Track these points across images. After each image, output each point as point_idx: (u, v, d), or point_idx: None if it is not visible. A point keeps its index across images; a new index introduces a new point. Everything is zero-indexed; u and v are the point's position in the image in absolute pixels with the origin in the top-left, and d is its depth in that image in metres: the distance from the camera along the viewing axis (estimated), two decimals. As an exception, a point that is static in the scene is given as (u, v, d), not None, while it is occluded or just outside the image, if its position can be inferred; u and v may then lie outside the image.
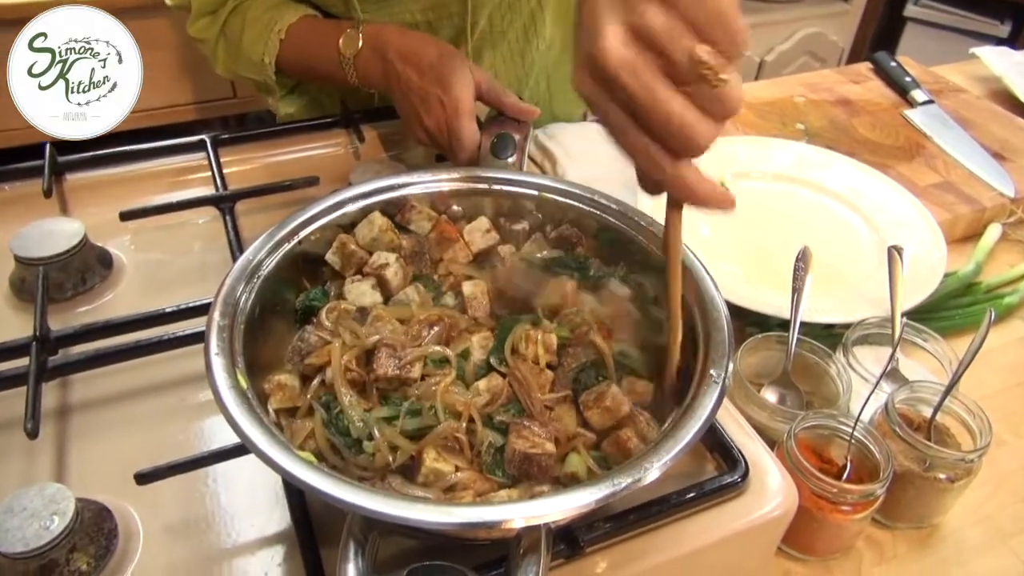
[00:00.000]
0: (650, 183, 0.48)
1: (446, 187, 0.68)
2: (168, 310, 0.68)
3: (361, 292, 0.61)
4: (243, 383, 0.50)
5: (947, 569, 0.66)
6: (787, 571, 0.65)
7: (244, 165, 0.94)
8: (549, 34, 1.07)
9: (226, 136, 0.92)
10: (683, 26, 0.40)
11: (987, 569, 0.66)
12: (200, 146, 0.90)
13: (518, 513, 0.42)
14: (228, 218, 0.80)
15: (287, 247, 0.61)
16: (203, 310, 0.67)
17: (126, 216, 0.79)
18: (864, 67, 1.36)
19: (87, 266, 0.76)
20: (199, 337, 0.64)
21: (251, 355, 0.54)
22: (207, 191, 0.86)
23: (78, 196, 0.86)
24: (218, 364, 0.50)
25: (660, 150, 0.44)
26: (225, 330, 0.53)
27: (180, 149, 0.90)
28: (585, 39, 0.42)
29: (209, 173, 0.88)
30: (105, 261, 0.79)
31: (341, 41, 0.86)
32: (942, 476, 0.64)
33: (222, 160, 0.90)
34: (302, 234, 0.63)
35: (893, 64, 1.31)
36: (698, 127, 0.42)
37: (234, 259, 0.65)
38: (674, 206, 0.50)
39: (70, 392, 0.67)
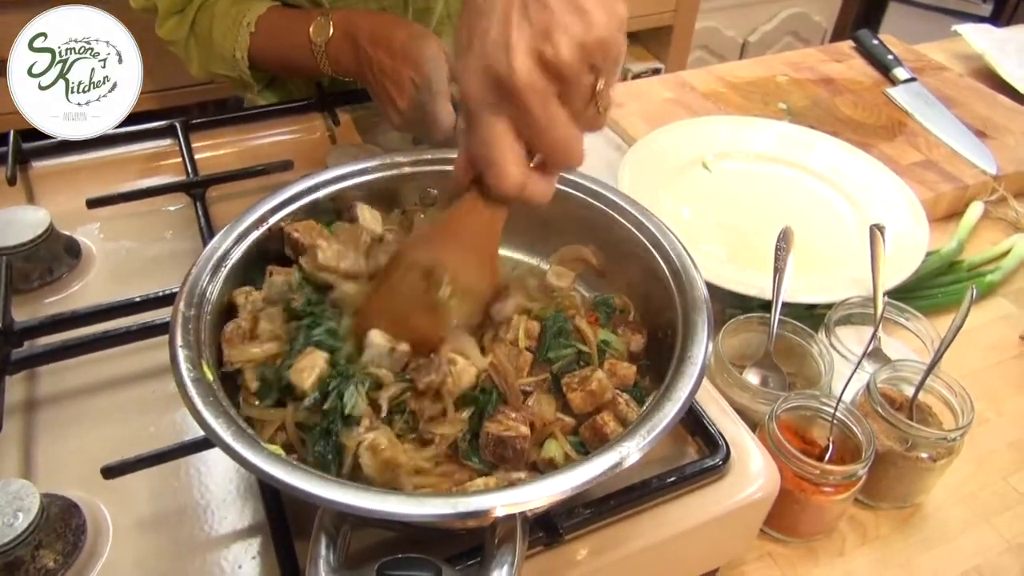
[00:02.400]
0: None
1: (410, 170, 0.66)
2: (137, 299, 0.66)
3: (276, 284, 0.59)
4: (209, 375, 0.48)
5: (930, 548, 0.66)
6: (770, 553, 0.64)
7: (218, 150, 0.92)
8: None
9: (197, 121, 0.90)
10: (586, 61, 0.44)
11: (970, 547, 0.66)
12: (170, 131, 0.88)
13: (489, 503, 0.41)
14: (199, 204, 0.78)
15: (256, 234, 0.60)
16: (173, 299, 0.65)
17: (93, 203, 0.77)
18: (846, 45, 1.35)
19: (54, 255, 0.74)
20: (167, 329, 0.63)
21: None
22: (178, 177, 0.84)
23: (44, 184, 0.84)
24: (183, 356, 0.48)
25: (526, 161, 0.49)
26: (191, 321, 0.52)
27: (149, 135, 0.88)
28: (492, 51, 0.44)
29: (180, 159, 0.85)
30: (73, 250, 0.77)
31: (311, 29, 0.85)
32: (924, 455, 0.63)
33: (194, 145, 0.88)
34: (271, 221, 0.61)
35: (875, 42, 1.30)
36: (580, 145, 0.48)
37: (205, 247, 0.63)
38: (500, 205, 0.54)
39: (37, 385, 0.65)
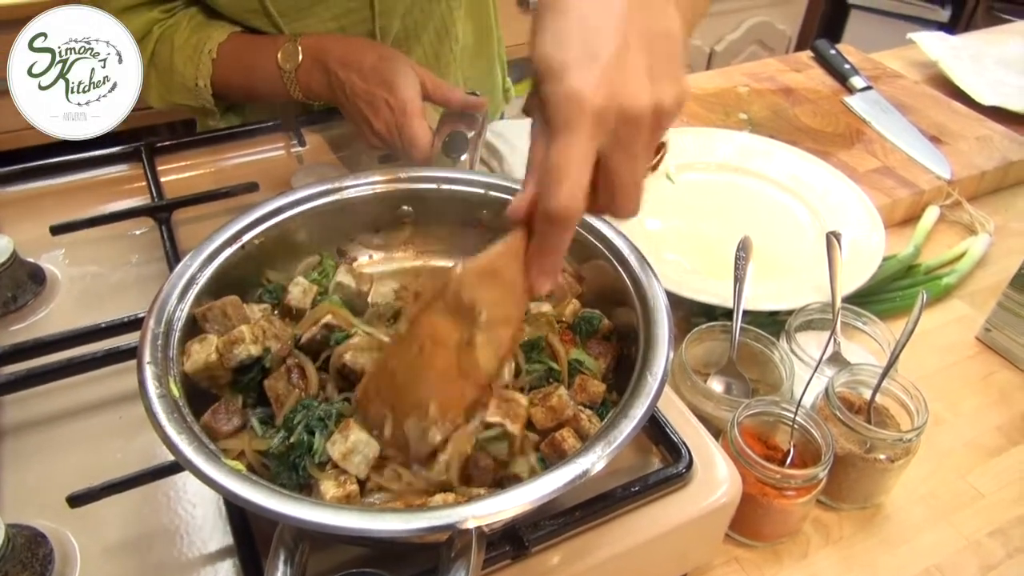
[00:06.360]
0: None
1: (381, 189, 0.67)
2: (103, 325, 0.66)
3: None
4: (175, 392, 0.49)
5: (892, 548, 0.67)
6: (736, 557, 0.66)
7: (183, 173, 0.92)
8: (461, 33, 1.07)
9: (161, 144, 0.90)
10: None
11: (930, 545, 0.67)
12: (135, 155, 0.88)
13: (443, 519, 0.41)
14: (164, 228, 0.78)
15: (228, 252, 0.60)
16: (139, 324, 0.65)
17: (57, 230, 0.77)
18: (805, 55, 1.38)
19: (17, 283, 0.74)
20: (135, 352, 0.63)
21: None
22: (144, 201, 0.84)
23: (7, 211, 0.84)
24: (150, 372, 0.49)
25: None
26: (160, 337, 0.52)
27: (114, 159, 0.88)
28: (632, 79, 0.41)
29: (145, 183, 0.86)
30: (37, 277, 0.76)
31: (280, 55, 0.85)
32: (882, 457, 0.65)
33: (159, 168, 0.88)
34: (244, 239, 0.62)
35: (833, 52, 1.33)
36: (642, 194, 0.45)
37: (171, 270, 0.63)
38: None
39: (2, 414, 0.65)
